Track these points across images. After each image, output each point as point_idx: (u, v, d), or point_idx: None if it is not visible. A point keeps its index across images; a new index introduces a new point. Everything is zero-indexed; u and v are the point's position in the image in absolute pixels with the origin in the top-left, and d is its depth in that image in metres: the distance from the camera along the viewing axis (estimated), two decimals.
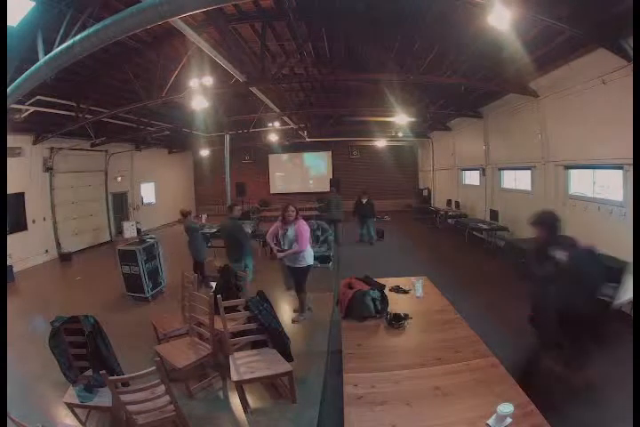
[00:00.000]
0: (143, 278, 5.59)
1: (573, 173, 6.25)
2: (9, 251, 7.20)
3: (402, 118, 9.28)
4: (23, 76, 3.92)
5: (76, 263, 8.83)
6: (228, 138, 5.98)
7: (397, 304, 3.25)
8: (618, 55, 4.33)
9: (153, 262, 5.88)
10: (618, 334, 3.69)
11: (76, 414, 2.71)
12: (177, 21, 3.95)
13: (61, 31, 3.86)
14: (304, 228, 4.35)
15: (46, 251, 8.89)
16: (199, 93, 6.27)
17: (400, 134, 13.13)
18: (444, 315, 3.07)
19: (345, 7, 5.18)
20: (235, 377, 2.87)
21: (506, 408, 1.66)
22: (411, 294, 3.55)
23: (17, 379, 3.33)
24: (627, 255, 3.96)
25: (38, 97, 6.35)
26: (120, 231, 11.65)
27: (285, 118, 11.07)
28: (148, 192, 13.91)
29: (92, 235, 10.74)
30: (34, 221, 8.58)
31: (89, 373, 2.83)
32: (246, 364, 3.01)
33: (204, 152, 14.61)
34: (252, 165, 17.19)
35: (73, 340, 2.87)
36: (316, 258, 7.35)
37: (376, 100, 9.22)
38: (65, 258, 8.92)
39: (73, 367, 2.87)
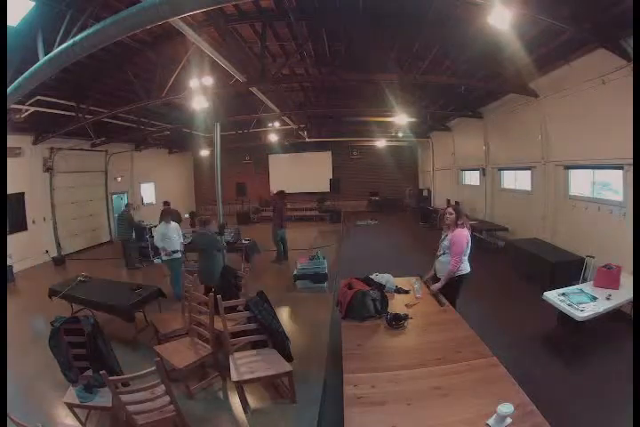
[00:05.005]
0: None
1: (573, 173, 6.25)
2: (9, 251, 7.20)
3: (402, 118, 9.27)
4: (23, 76, 3.92)
5: (76, 263, 8.82)
6: (218, 126, 5.66)
7: (397, 304, 3.25)
8: (618, 55, 4.34)
9: None
10: (618, 334, 3.70)
11: (75, 414, 2.71)
12: (177, 21, 3.95)
13: (61, 31, 3.85)
14: (459, 235, 3.61)
15: (46, 251, 8.89)
16: (199, 93, 6.26)
17: (400, 134, 13.13)
18: (444, 315, 3.07)
19: (345, 7, 5.18)
20: (235, 377, 2.87)
21: (506, 408, 1.66)
22: (411, 294, 3.55)
23: (17, 379, 3.33)
24: (627, 255, 3.96)
25: (38, 97, 6.35)
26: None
27: (285, 118, 11.07)
28: (147, 192, 13.91)
29: (91, 235, 10.74)
30: (34, 222, 8.58)
31: (89, 373, 2.83)
32: (246, 364, 3.01)
33: (204, 152, 14.61)
34: (252, 165, 17.19)
35: (73, 340, 2.87)
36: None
37: (376, 100, 9.22)
38: (58, 262, 8.69)
39: (73, 367, 2.86)
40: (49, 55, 3.63)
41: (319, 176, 16.49)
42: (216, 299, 3.17)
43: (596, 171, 5.62)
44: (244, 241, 7.39)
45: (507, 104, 7.95)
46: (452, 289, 3.60)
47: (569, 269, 5.18)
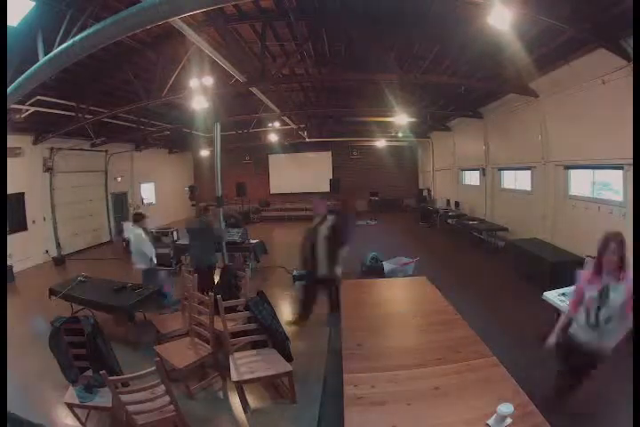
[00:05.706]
0: None
1: (573, 173, 6.25)
2: (9, 251, 7.21)
3: (402, 118, 9.28)
4: (23, 76, 3.92)
5: (76, 263, 8.82)
6: (218, 126, 5.57)
7: (397, 301, 3.24)
8: (618, 55, 4.34)
9: None
10: None
11: (75, 414, 2.71)
12: (177, 21, 3.95)
13: (61, 31, 3.86)
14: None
15: (46, 251, 8.89)
16: (199, 93, 6.27)
17: (400, 134, 13.14)
18: (443, 315, 3.06)
19: (345, 7, 5.18)
20: (235, 377, 2.87)
21: (506, 408, 1.66)
22: (411, 294, 3.55)
23: (17, 379, 3.33)
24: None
25: (38, 97, 6.36)
26: (120, 231, 11.65)
27: (285, 118, 11.07)
28: (147, 192, 13.91)
29: (91, 235, 10.75)
30: (34, 222, 8.58)
31: (89, 373, 2.83)
32: (246, 364, 3.01)
33: (204, 152, 14.60)
34: (252, 165, 17.18)
35: (73, 340, 2.87)
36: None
37: (376, 100, 9.22)
38: (58, 262, 8.68)
39: (73, 367, 2.86)
40: (49, 55, 3.63)
41: (319, 176, 16.49)
42: (216, 299, 3.17)
43: (596, 171, 5.62)
44: (251, 241, 7.25)
45: (507, 104, 7.95)
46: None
47: (569, 269, 5.16)
